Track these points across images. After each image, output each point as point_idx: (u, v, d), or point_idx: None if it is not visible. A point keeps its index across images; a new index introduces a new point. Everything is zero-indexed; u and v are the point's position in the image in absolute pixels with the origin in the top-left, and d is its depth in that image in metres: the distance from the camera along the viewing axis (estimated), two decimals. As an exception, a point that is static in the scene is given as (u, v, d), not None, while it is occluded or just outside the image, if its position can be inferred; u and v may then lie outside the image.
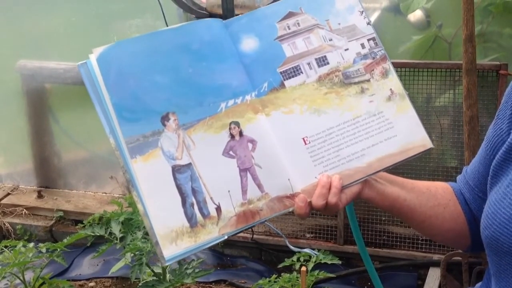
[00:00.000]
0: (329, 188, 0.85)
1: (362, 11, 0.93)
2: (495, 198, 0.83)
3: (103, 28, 2.54)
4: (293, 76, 0.89)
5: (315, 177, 0.87)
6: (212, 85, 0.85)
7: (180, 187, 0.83)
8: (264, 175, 0.85)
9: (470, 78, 1.85)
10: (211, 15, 2.09)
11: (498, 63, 2.02)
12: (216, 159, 0.84)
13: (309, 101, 0.88)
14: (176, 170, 0.83)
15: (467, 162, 1.89)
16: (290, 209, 0.86)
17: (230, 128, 0.85)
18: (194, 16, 2.13)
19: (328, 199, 0.85)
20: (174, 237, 0.81)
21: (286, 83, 0.89)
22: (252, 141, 0.86)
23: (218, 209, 0.84)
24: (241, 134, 0.86)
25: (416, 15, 2.19)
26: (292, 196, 0.86)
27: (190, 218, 0.82)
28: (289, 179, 0.86)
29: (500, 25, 2.10)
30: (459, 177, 1.00)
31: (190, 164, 0.83)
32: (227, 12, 2.00)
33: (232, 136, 0.85)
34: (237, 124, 0.86)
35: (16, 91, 2.70)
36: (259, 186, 0.85)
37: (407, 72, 2.09)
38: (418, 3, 2.09)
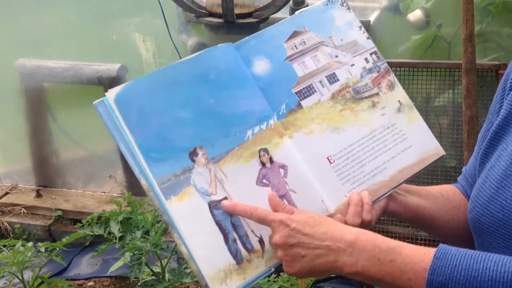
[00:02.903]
0: (362, 206, 0.86)
1: (360, 26, 0.94)
2: (479, 183, 0.86)
3: (102, 27, 2.53)
4: (308, 96, 0.89)
5: (345, 196, 0.87)
6: (236, 113, 0.84)
7: (220, 223, 0.81)
8: (299, 199, 0.85)
9: (470, 78, 1.85)
10: (211, 14, 2.09)
11: (497, 62, 2.02)
12: (251, 189, 0.83)
13: (327, 120, 0.88)
14: (213, 206, 0.81)
15: (466, 161, 1.88)
16: None
17: (260, 156, 0.84)
18: (193, 15, 2.13)
19: (363, 216, 0.86)
20: (223, 277, 0.79)
21: (303, 103, 0.88)
22: (283, 166, 0.85)
23: (261, 241, 0.82)
24: (271, 160, 0.84)
25: (415, 15, 2.19)
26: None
27: (235, 255, 0.80)
28: (323, 201, 0.86)
29: (500, 25, 2.10)
30: (459, 178, 1.02)
31: (225, 198, 0.81)
32: (227, 11, 2.00)
33: (263, 164, 0.84)
34: (266, 151, 0.85)
35: (15, 90, 2.69)
36: None
37: (406, 71, 2.09)
38: (418, 3, 2.08)
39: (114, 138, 0.79)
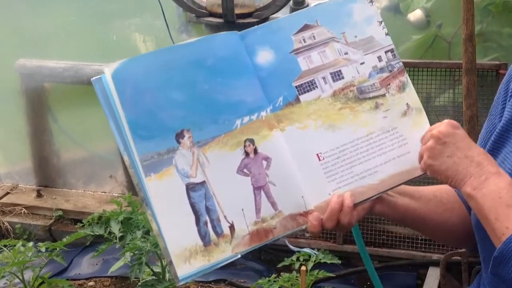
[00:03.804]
0: (341, 208, 0.85)
1: (381, 21, 0.92)
2: None
3: (103, 27, 2.53)
4: (308, 91, 0.88)
5: (329, 194, 0.86)
6: (228, 101, 0.84)
7: (194, 205, 0.82)
8: (278, 192, 0.85)
9: (470, 78, 1.85)
10: (211, 14, 2.09)
11: (497, 62, 2.02)
12: (230, 177, 0.84)
13: (323, 117, 0.88)
14: (190, 188, 0.82)
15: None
16: (304, 227, 0.86)
17: (245, 146, 0.85)
18: (194, 15, 2.13)
19: (340, 218, 0.85)
20: (187, 256, 0.80)
21: (301, 97, 0.88)
22: (267, 158, 0.85)
23: (232, 227, 0.83)
24: (255, 151, 0.85)
25: (415, 15, 2.19)
26: (305, 214, 0.85)
27: (203, 236, 0.82)
28: (302, 196, 0.86)
29: (500, 25, 2.10)
30: None
31: (204, 182, 0.83)
32: (227, 11, 2.00)
33: (247, 154, 0.85)
34: (252, 141, 0.85)
35: (15, 90, 2.69)
36: (273, 204, 0.85)
37: (407, 71, 2.07)
38: (418, 3, 2.08)
39: (105, 113, 0.80)
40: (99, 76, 0.81)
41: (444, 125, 0.82)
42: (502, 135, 0.85)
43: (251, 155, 0.85)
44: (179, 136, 0.82)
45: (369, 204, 0.89)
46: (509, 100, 0.86)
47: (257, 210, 0.84)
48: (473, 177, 0.78)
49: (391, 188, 0.89)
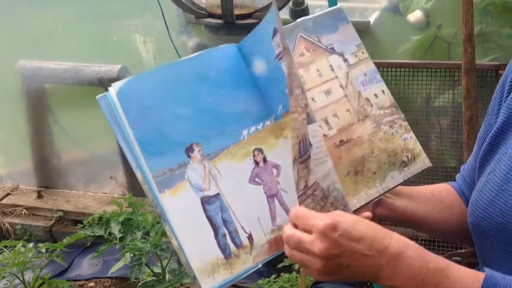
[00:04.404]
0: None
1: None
2: (478, 186, 0.86)
3: (103, 28, 2.54)
4: None
5: None
6: (233, 113, 0.85)
7: (211, 218, 0.82)
8: (290, 199, 0.85)
9: (469, 78, 1.85)
10: (210, 15, 2.09)
11: (497, 63, 2.02)
12: (243, 187, 0.84)
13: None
14: (205, 201, 0.82)
15: (466, 162, 1.89)
16: None
17: (254, 155, 0.85)
18: (193, 16, 2.13)
19: None
20: (210, 270, 0.80)
21: None
22: (276, 166, 0.86)
23: (250, 237, 0.83)
24: (265, 160, 0.86)
25: (415, 15, 2.19)
26: None
27: (224, 249, 0.81)
28: None
29: (500, 25, 2.10)
30: (457, 176, 1.03)
31: (218, 194, 0.83)
32: (226, 12, 2.00)
33: (257, 163, 0.85)
34: (260, 150, 0.86)
35: (16, 91, 2.70)
36: (287, 211, 0.85)
37: (406, 72, 2.09)
38: (418, 3, 2.08)
39: (114, 132, 0.80)
40: (104, 94, 0.80)
41: (321, 239, 0.71)
42: (497, 136, 0.86)
43: (261, 164, 0.85)
44: (188, 150, 0.82)
45: (370, 207, 0.91)
46: (504, 102, 0.87)
47: (273, 218, 0.84)
48: (382, 269, 0.72)
49: (393, 188, 0.92)
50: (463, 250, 1.97)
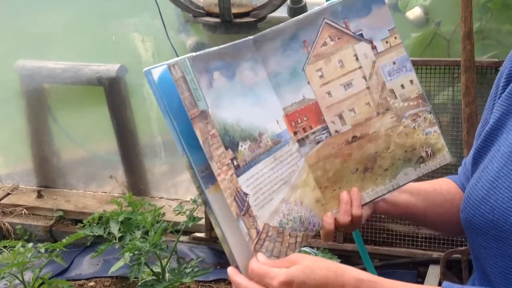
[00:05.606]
0: (351, 204, 0.87)
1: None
2: (472, 182, 0.86)
3: (101, 28, 2.53)
4: None
5: None
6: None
7: None
8: None
9: (469, 75, 1.84)
10: (208, 14, 2.09)
11: (497, 60, 2.02)
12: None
13: None
14: None
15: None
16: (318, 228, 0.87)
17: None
18: (191, 14, 2.13)
19: (352, 213, 0.87)
20: None
21: None
22: None
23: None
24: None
25: (414, 13, 2.18)
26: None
27: None
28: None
29: (499, 22, 2.09)
30: (460, 169, 1.03)
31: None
32: (224, 10, 2.00)
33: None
34: None
35: (15, 91, 2.70)
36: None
37: (406, 69, 2.09)
38: (417, 1, 2.08)
39: (161, 110, 0.75)
40: (149, 70, 0.74)
41: None
42: (491, 133, 0.85)
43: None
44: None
45: (373, 202, 0.91)
46: (498, 98, 0.86)
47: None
48: None
49: (400, 187, 0.91)
50: (463, 248, 1.97)
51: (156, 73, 0.75)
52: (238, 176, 0.77)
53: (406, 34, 2.19)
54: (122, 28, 2.49)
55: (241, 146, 0.78)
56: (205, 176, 0.76)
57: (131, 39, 2.50)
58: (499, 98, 0.86)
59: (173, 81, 0.74)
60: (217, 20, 2.07)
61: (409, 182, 0.92)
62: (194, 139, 0.75)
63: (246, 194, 0.77)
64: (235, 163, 0.77)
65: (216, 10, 2.04)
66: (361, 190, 0.89)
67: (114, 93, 2.55)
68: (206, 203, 0.78)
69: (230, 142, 0.77)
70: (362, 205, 0.89)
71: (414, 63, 2.08)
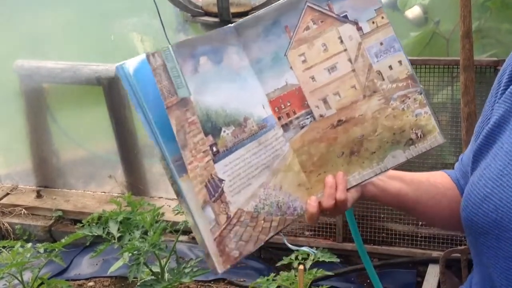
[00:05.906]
0: (336, 187, 0.86)
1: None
2: (472, 180, 0.85)
3: (100, 28, 2.53)
4: None
5: None
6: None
7: None
8: None
9: (468, 75, 1.84)
10: (207, 13, 2.09)
11: (496, 59, 2.02)
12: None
13: None
14: None
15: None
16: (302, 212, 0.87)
17: None
18: (190, 14, 2.13)
19: (336, 197, 0.86)
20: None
21: None
22: None
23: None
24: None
25: (413, 12, 2.18)
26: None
27: None
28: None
29: (498, 21, 2.09)
30: (456, 164, 1.02)
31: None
32: (222, 10, 2.00)
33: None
34: None
35: (14, 91, 2.69)
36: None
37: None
38: (416, 0, 2.08)
39: (133, 104, 0.76)
40: (122, 63, 0.74)
41: None
42: (493, 131, 0.84)
43: None
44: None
45: (361, 186, 0.89)
46: (500, 96, 0.86)
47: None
48: None
49: (387, 170, 0.89)
50: (462, 247, 1.97)
51: (132, 65, 0.75)
52: (216, 162, 0.77)
53: (405, 33, 2.19)
54: (121, 28, 2.49)
55: (224, 131, 0.79)
56: (180, 164, 0.77)
57: (130, 39, 2.50)
58: (501, 95, 0.85)
59: (150, 71, 0.75)
60: (216, 19, 2.07)
61: (397, 164, 0.90)
62: (169, 130, 0.76)
63: (221, 180, 0.78)
64: (214, 149, 0.77)
65: (215, 9, 2.04)
66: (347, 173, 0.87)
67: (113, 92, 2.55)
68: (178, 192, 0.78)
69: (212, 128, 0.78)
70: (348, 189, 0.87)
71: (413, 62, 2.07)
